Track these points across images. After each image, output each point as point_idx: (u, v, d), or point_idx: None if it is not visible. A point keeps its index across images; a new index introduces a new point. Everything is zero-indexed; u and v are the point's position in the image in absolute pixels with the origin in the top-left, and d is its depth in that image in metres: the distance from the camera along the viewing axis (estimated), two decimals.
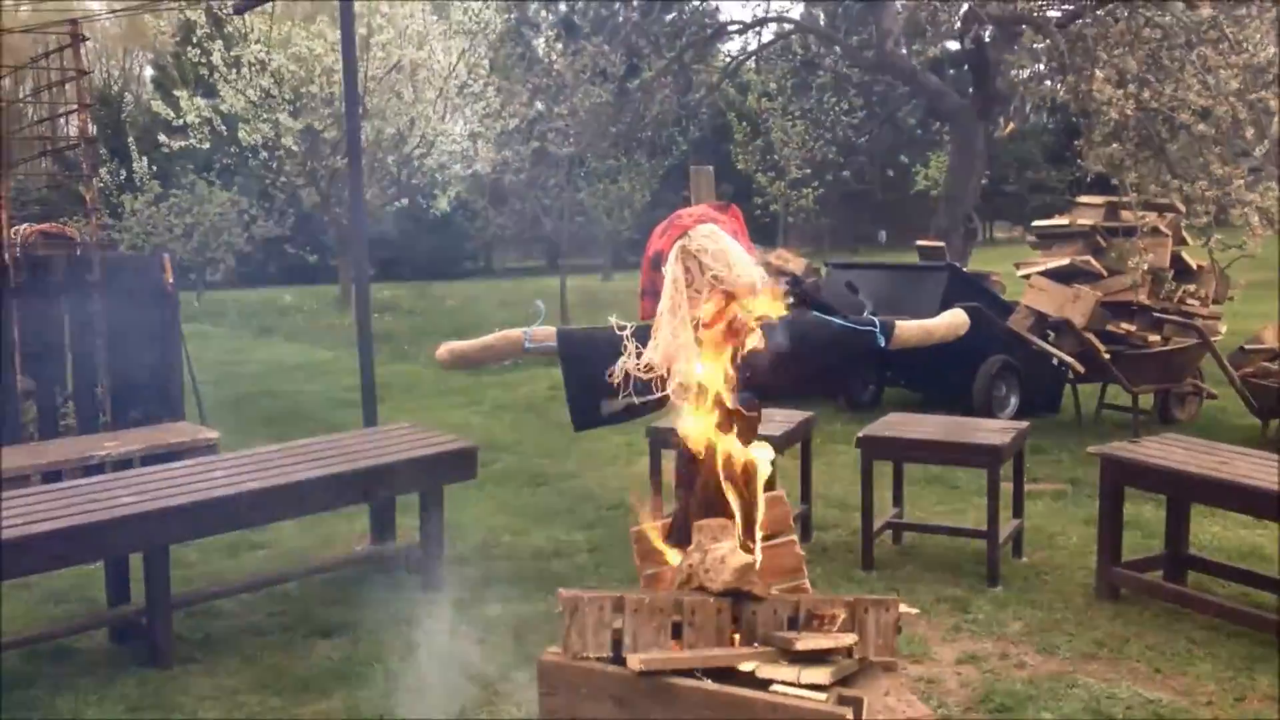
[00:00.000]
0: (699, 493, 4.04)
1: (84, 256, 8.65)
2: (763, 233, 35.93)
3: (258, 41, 21.44)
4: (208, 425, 8.78)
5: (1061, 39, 9.91)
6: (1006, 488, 6.57)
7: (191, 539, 5.77)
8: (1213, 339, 9.50)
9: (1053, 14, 10.71)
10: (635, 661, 3.63)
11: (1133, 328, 9.43)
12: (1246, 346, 8.95)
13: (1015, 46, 11.62)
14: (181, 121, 22.14)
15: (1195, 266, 9.87)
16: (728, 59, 13.95)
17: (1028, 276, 9.89)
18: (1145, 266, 9.12)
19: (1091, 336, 9.27)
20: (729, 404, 3.79)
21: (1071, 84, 9.48)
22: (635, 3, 12.72)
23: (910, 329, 4.22)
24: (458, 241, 39.63)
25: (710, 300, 3.86)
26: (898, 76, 12.74)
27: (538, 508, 7.83)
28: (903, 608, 3.98)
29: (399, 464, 6.00)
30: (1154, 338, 9.45)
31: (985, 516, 6.33)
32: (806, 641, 3.69)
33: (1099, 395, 10.17)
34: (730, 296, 3.88)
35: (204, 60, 21.65)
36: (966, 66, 12.83)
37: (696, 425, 3.93)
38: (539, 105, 12.82)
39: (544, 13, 20.53)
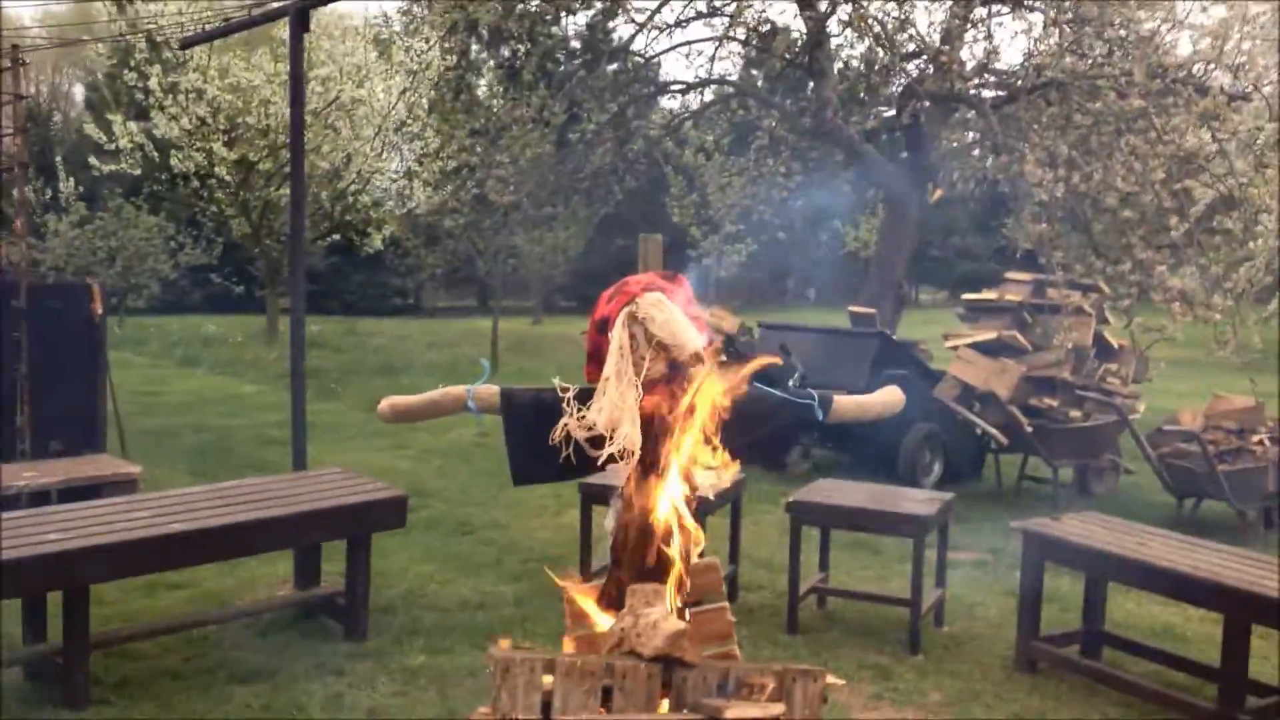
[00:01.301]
0: (633, 556, 4.07)
1: (8, 281, 8.52)
2: (694, 286, 36.16)
3: (196, 69, 21.30)
4: (129, 459, 8.65)
5: (995, 119, 10.18)
6: (930, 555, 6.67)
7: (116, 579, 5.67)
8: (1131, 417, 9.73)
9: (987, 94, 11.00)
10: None
11: (1055, 403, 9.64)
12: (1166, 428, 9.17)
13: (950, 120, 11.92)
14: (115, 146, 21.87)
15: (1116, 346, 10.14)
16: (669, 115, 14.10)
17: (956, 348, 10.08)
18: (1070, 344, 9.36)
19: (1015, 409, 9.47)
20: (675, 470, 3.85)
21: (1004, 164, 9.74)
22: (579, 59, 12.84)
23: (847, 404, 4.30)
24: (387, 278, 39.53)
25: (654, 367, 3.91)
26: (835, 144, 12.97)
27: (464, 557, 7.79)
28: (829, 678, 4.04)
29: (328, 510, 5.96)
30: (1075, 413, 9.67)
31: (908, 583, 6.43)
32: (735, 710, 3.73)
33: (1020, 466, 10.36)
34: (674, 364, 3.93)
35: (141, 85, 21.46)
36: (898, 134, 13.08)
37: (638, 489, 3.97)
38: (479, 151, 12.81)
39: (485, 55, 20.57)
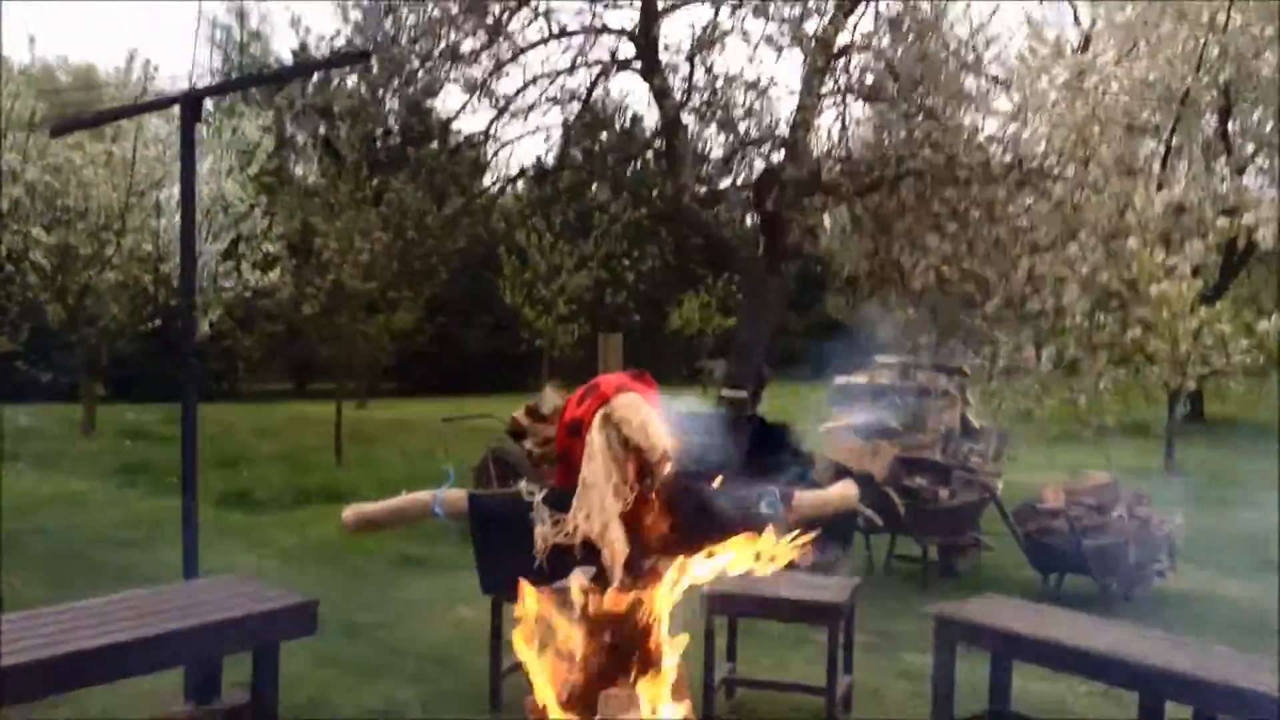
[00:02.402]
0: (600, 660, 4.02)
1: None
2: (524, 366, 36.20)
3: (11, 149, 20.44)
4: None
5: (860, 205, 10.54)
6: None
7: (27, 701, 5.27)
8: None
9: (842, 181, 11.32)
10: None
11: (925, 483, 9.94)
12: (1038, 505, 9.54)
13: (805, 204, 12.25)
14: None
15: (978, 426, 10.53)
16: (520, 200, 14.11)
17: (829, 431, 10.30)
18: (944, 427, 9.69)
19: (890, 490, 9.72)
20: (657, 570, 3.85)
21: (870, 252, 10.08)
22: (439, 143, 12.84)
23: (807, 501, 4.38)
24: (202, 363, 38.34)
25: (627, 468, 3.92)
26: (692, 229, 13.21)
27: (358, 661, 7.52)
28: None
29: (238, 620, 5.70)
30: (943, 493, 9.97)
31: (805, 668, 6.70)
32: None
33: (889, 545, 10.60)
34: (644, 465, 3.94)
35: None
36: (756, 218, 13.39)
37: (615, 593, 3.94)
38: (333, 238, 12.58)
39: (306, 137, 20.40)
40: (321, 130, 18.59)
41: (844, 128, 11.49)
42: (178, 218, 21.84)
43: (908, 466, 9.96)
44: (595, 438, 3.90)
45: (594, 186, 14.32)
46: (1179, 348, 13.79)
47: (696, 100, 12.57)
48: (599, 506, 3.87)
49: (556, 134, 13.44)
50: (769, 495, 4.21)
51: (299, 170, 22.87)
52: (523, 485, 3.94)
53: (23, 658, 4.93)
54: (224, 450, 19.00)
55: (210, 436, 21.36)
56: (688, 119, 12.66)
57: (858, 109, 11.05)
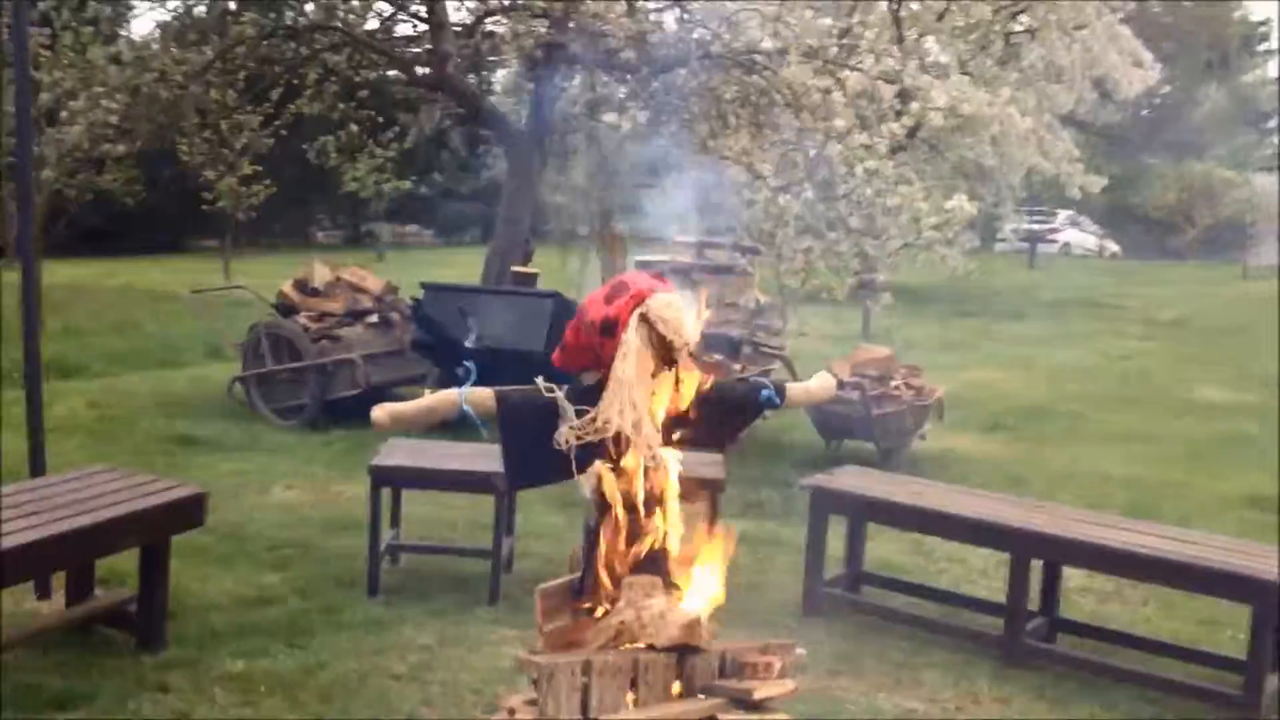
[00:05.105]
0: (623, 548, 4.15)
1: None
2: (181, 225, 33.97)
3: None
4: None
5: (659, 85, 10.57)
6: None
7: None
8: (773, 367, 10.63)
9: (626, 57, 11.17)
10: None
11: (721, 357, 10.30)
12: (845, 380, 10.09)
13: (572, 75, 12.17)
14: None
15: (763, 301, 10.98)
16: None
17: None
18: (753, 304, 10.05)
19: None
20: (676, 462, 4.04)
21: (674, 134, 10.18)
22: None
23: (796, 391, 4.63)
24: None
25: (657, 365, 4.02)
26: (457, 99, 12.86)
27: (199, 549, 7.06)
28: (798, 650, 4.42)
29: (133, 515, 5.41)
30: (736, 367, 10.38)
31: None
32: (762, 690, 4.02)
33: None
34: (673, 360, 4.05)
35: None
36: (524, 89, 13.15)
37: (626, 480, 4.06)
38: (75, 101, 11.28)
39: None
40: None
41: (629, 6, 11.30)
42: None
43: (705, 342, 10.28)
44: (631, 336, 3.97)
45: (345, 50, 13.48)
46: (875, 222, 14.76)
47: None
48: (632, 402, 3.97)
49: None
50: (768, 387, 4.38)
51: None
52: (540, 381, 3.97)
53: None
54: None
55: None
56: None
57: None
